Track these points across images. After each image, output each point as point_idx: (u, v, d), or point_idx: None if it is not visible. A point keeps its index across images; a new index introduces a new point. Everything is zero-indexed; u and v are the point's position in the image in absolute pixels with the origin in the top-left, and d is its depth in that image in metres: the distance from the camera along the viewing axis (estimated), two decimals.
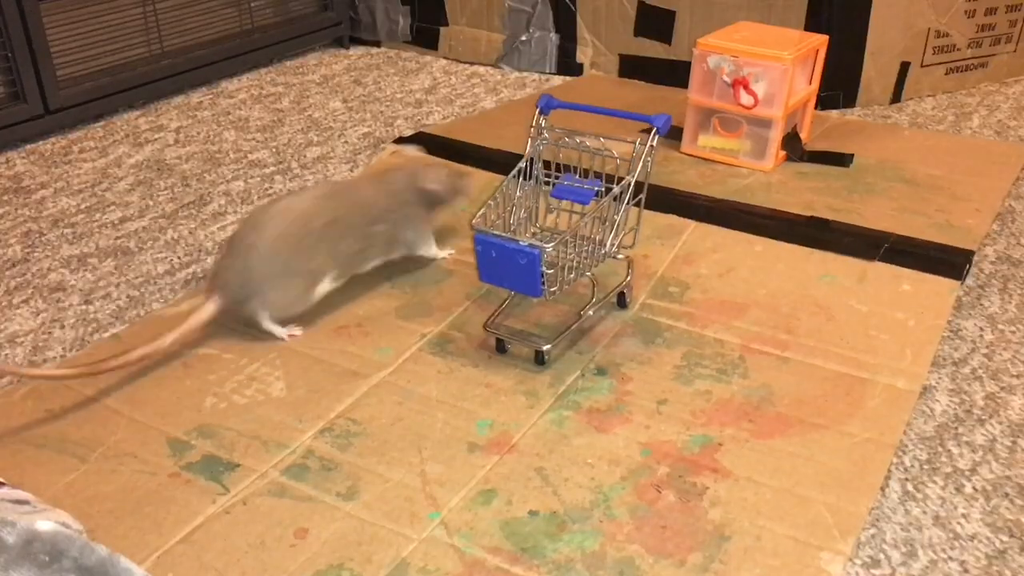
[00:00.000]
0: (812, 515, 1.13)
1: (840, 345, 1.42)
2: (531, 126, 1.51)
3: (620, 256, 1.50)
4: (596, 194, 1.42)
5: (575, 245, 1.39)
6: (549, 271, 1.33)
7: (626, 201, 1.43)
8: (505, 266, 1.33)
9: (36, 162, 2.14)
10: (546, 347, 1.39)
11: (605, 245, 1.45)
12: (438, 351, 1.44)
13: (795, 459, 1.21)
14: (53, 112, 2.24)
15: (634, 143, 1.44)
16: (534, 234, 1.52)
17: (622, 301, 1.52)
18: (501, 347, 1.43)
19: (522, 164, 1.48)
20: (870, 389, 1.33)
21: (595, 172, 1.49)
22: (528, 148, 1.50)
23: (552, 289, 1.36)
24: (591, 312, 1.48)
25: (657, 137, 1.44)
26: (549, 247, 1.31)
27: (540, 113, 1.52)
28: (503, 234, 1.33)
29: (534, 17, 2.68)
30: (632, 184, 1.42)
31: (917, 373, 1.36)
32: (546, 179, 1.52)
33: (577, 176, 1.48)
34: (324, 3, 2.86)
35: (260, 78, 2.68)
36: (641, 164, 1.43)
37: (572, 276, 1.40)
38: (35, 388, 1.37)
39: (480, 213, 1.38)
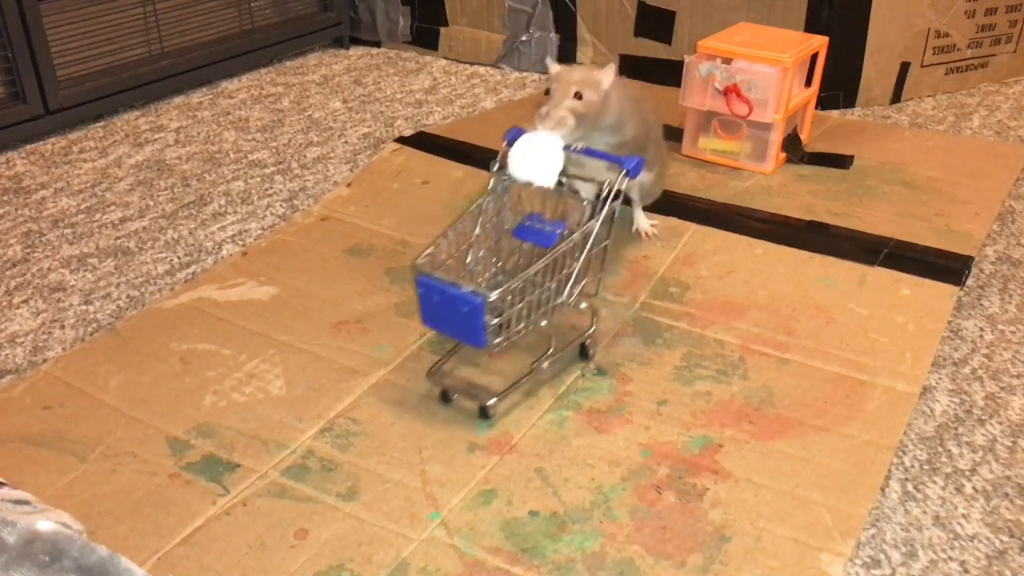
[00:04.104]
0: (812, 517, 1.13)
1: (840, 347, 1.42)
2: (493, 162, 1.41)
3: (582, 306, 1.39)
4: (560, 237, 1.33)
5: (528, 293, 1.28)
6: (493, 321, 1.23)
7: (587, 248, 1.32)
8: (447, 312, 1.24)
9: (36, 162, 2.14)
10: (491, 402, 1.29)
11: (562, 295, 1.33)
12: (438, 349, 1.43)
13: (795, 461, 1.22)
14: (53, 112, 2.24)
15: (601, 184, 1.36)
16: (494, 274, 1.41)
17: (584, 352, 1.40)
18: (445, 397, 1.33)
19: (483, 200, 1.38)
20: (870, 391, 1.33)
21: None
22: (491, 182, 1.40)
23: (496, 340, 1.25)
24: (545, 365, 1.35)
25: (627, 180, 1.35)
26: (493, 296, 1.21)
27: (508, 145, 1.40)
28: (446, 277, 1.25)
29: (534, 17, 2.68)
30: (596, 230, 1.33)
31: (917, 376, 1.36)
32: (512, 217, 1.41)
33: (543, 216, 1.37)
34: (324, 3, 2.86)
35: (260, 78, 2.68)
36: (607, 208, 1.33)
37: (521, 327, 1.29)
38: (34, 384, 1.37)
39: (427, 251, 1.29)
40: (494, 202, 1.40)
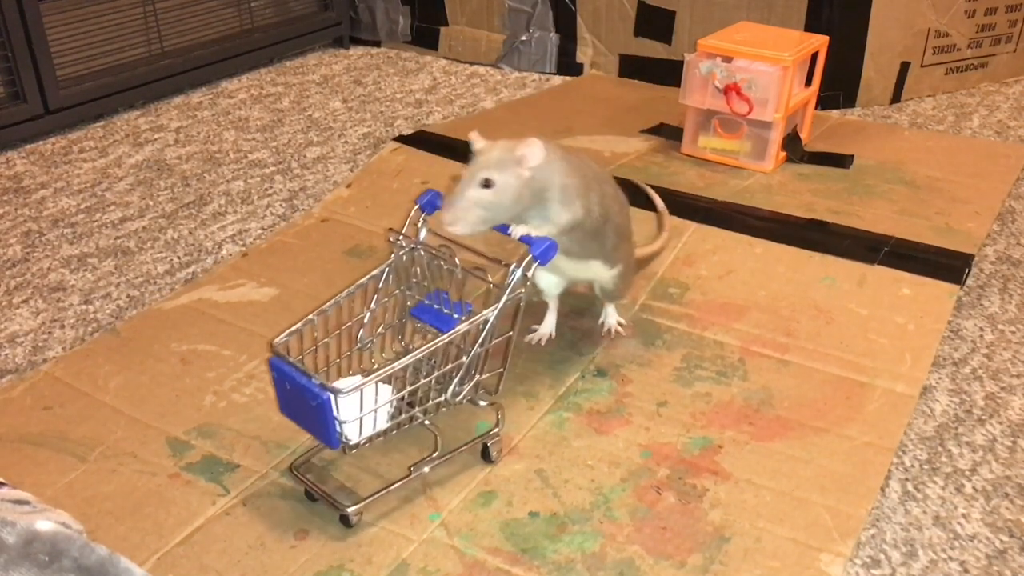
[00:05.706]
0: (812, 517, 1.13)
1: (840, 348, 1.42)
2: (391, 229, 1.26)
3: (482, 404, 1.25)
4: (460, 322, 1.17)
5: (400, 388, 1.13)
6: (347, 421, 1.07)
7: (482, 340, 1.15)
8: (299, 403, 1.08)
9: (36, 162, 2.14)
10: (351, 509, 1.12)
11: (446, 392, 1.16)
12: None
13: (795, 462, 1.22)
14: (53, 112, 2.24)
15: (509, 265, 1.17)
16: (397, 353, 1.25)
17: (487, 454, 1.22)
18: (310, 496, 1.17)
19: (378, 272, 1.23)
20: (869, 393, 1.33)
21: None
22: (394, 253, 1.23)
23: (353, 442, 1.09)
24: (426, 469, 1.18)
25: (535, 266, 1.17)
26: (346, 391, 1.04)
27: (420, 211, 1.25)
28: (299, 364, 1.08)
29: (534, 17, 2.68)
30: (492, 319, 1.14)
31: (916, 377, 1.36)
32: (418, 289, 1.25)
33: (447, 295, 1.21)
34: (324, 3, 2.86)
35: (260, 78, 2.68)
36: (508, 293, 1.15)
37: (388, 427, 1.13)
38: (34, 385, 1.37)
39: (290, 330, 1.14)
40: (395, 274, 1.24)
